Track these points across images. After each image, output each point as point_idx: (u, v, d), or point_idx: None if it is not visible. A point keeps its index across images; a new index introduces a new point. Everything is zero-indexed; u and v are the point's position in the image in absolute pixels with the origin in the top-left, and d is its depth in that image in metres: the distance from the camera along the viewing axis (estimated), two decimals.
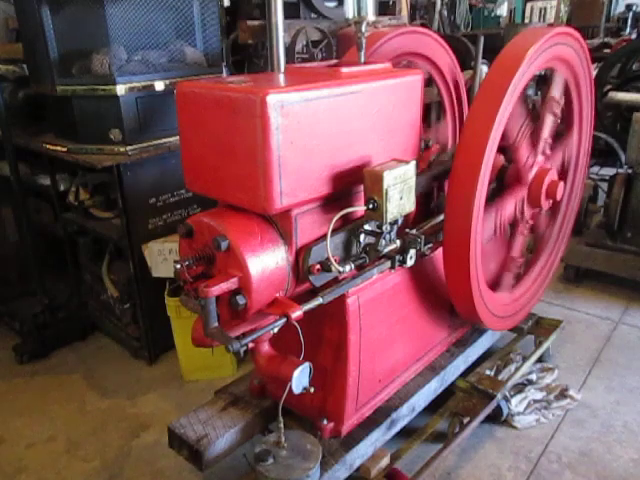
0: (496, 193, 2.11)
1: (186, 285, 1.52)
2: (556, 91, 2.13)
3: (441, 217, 1.95)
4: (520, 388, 2.47)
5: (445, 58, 2.51)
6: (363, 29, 1.76)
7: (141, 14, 2.54)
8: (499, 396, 2.20)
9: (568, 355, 2.77)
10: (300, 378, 1.50)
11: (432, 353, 2.25)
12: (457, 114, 2.65)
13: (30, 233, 3.01)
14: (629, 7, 8.44)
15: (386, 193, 1.53)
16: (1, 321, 3.28)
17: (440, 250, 1.93)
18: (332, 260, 1.53)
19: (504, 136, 1.87)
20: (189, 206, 2.86)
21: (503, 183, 2.12)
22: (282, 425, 1.65)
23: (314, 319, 1.63)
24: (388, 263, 1.74)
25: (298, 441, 1.70)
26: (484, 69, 3.17)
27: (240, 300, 1.45)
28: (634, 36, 7.34)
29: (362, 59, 1.81)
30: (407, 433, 2.11)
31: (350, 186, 1.66)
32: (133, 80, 2.54)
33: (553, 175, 2.14)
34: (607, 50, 6.10)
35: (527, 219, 2.19)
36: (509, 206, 2.08)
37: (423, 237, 1.75)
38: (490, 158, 1.76)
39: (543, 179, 2.10)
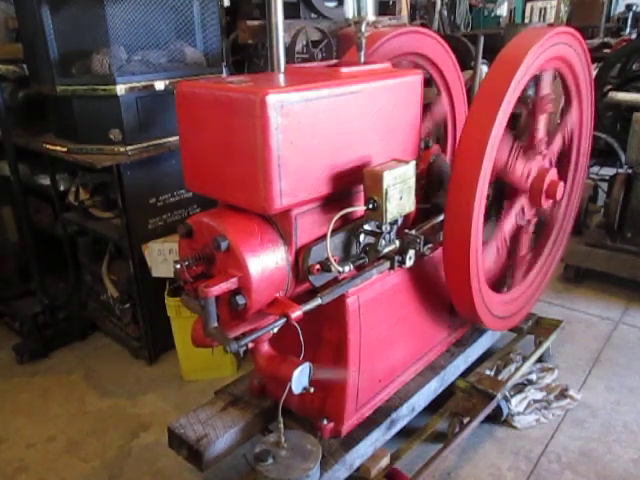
0: (496, 194, 2.11)
1: (186, 285, 1.52)
2: (546, 89, 2.11)
3: (441, 217, 1.94)
4: (520, 388, 2.46)
5: (445, 58, 2.51)
6: (363, 29, 1.76)
7: (141, 14, 2.53)
8: (499, 396, 2.20)
9: (568, 355, 2.77)
10: (300, 378, 1.50)
11: (432, 353, 2.25)
12: (457, 114, 2.65)
13: (30, 233, 3.01)
14: (629, 7, 8.42)
15: (386, 193, 1.53)
16: (1, 321, 3.28)
17: (440, 250, 1.93)
18: (332, 260, 1.53)
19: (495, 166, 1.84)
20: (189, 206, 2.86)
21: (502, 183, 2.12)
22: (282, 425, 1.65)
23: (314, 319, 1.62)
24: (387, 263, 1.74)
25: (298, 441, 1.70)
26: (484, 69, 3.17)
27: (240, 300, 1.45)
28: (634, 36, 7.33)
29: (362, 59, 1.81)
30: (407, 433, 2.11)
31: (350, 186, 1.66)
32: (133, 80, 2.54)
33: (553, 175, 2.14)
34: (607, 50, 6.08)
35: (529, 219, 2.20)
36: (509, 223, 2.10)
37: (422, 237, 1.75)
38: (490, 158, 1.76)
39: (543, 181, 2.09)
